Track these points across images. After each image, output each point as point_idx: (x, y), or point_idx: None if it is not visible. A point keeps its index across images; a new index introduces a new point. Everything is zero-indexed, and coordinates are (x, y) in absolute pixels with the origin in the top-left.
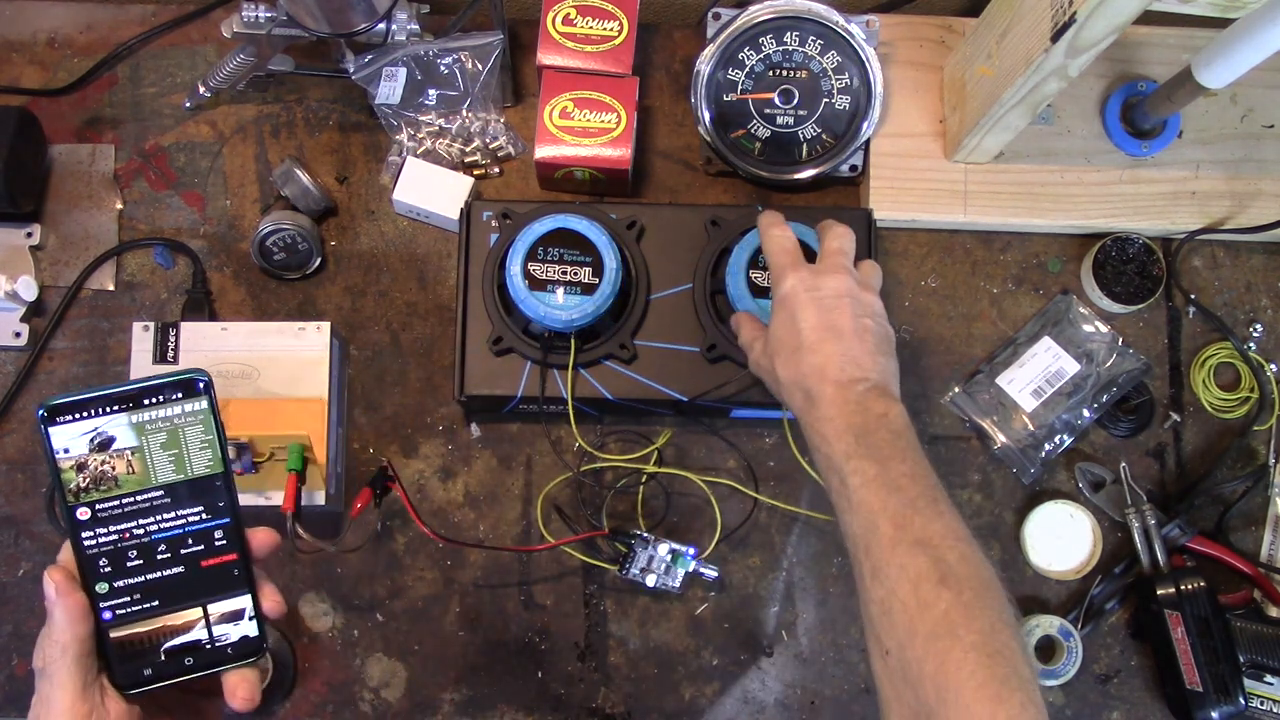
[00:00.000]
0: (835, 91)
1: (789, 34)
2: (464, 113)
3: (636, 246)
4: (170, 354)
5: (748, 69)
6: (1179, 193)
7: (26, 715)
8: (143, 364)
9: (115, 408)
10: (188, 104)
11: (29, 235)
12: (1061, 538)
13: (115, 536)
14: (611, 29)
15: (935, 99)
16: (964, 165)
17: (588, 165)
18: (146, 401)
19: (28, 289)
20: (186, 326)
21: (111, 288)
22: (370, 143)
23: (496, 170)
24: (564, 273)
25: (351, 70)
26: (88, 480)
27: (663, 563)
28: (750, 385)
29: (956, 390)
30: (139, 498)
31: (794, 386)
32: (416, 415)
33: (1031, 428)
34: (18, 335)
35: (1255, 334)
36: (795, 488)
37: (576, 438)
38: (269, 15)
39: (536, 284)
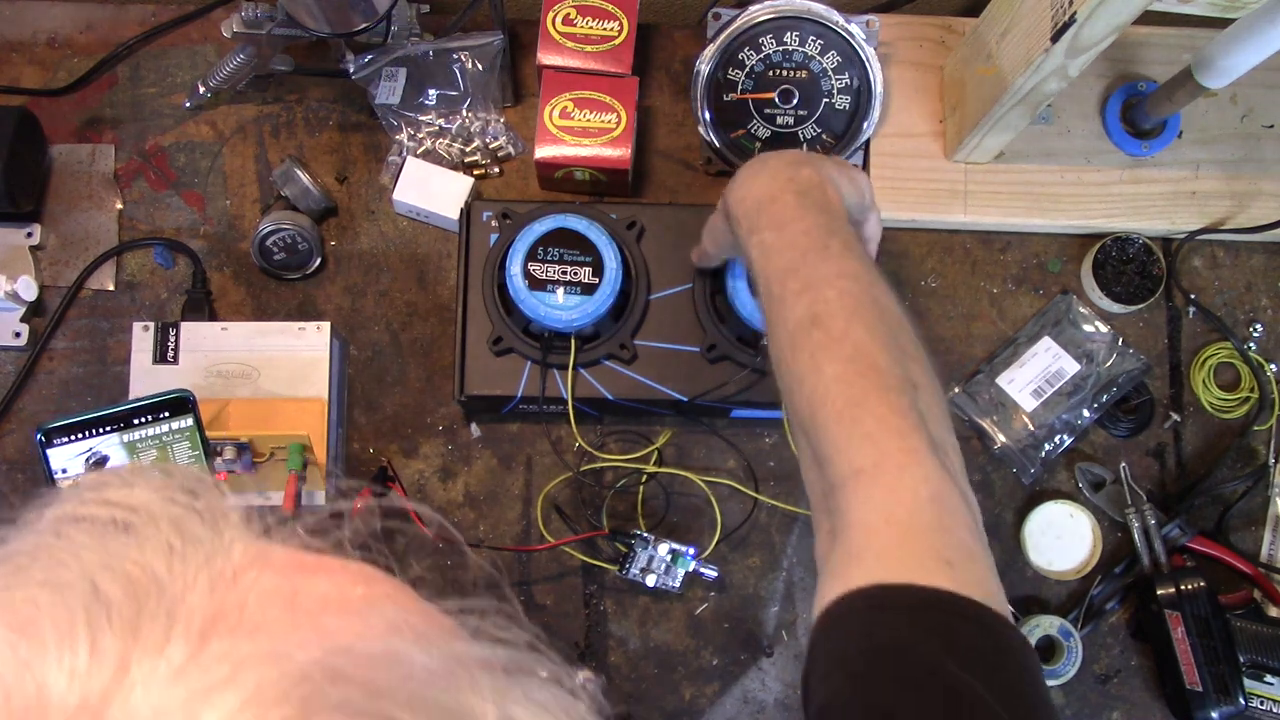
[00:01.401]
0: (835, 91)
1: (789, 34)
2: (464, 113)
3: (636, 246)
4: (170, 354)
5: (748, 69)
6: (1179, 193)
7: None
8: (143, 364)
9: (108, 428)
10: (188, 104)
11: (29, 235)
12: (1061, 538)
13: None
14: (611, 29)
15: (935, 99)
16: (964, 165)
17: (588, 165)
18: (136, 421)
19: (28, 289)
20: (186, 326)
21: (111, 288)
22: (370, 143)
23: (496, 170)
24: (564, 273)
25: (351, 70)
26: None
27: (663, 563)
28: (750, 385)
29: (956, 390)
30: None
31: (733, 182)
32: (416, 415)
33: (1031, 428)
34: (18, 335)
35: (1255, 334)
36: (795, 487)
37: (577, 438)
38: (269, 15)
39: (536, 284)
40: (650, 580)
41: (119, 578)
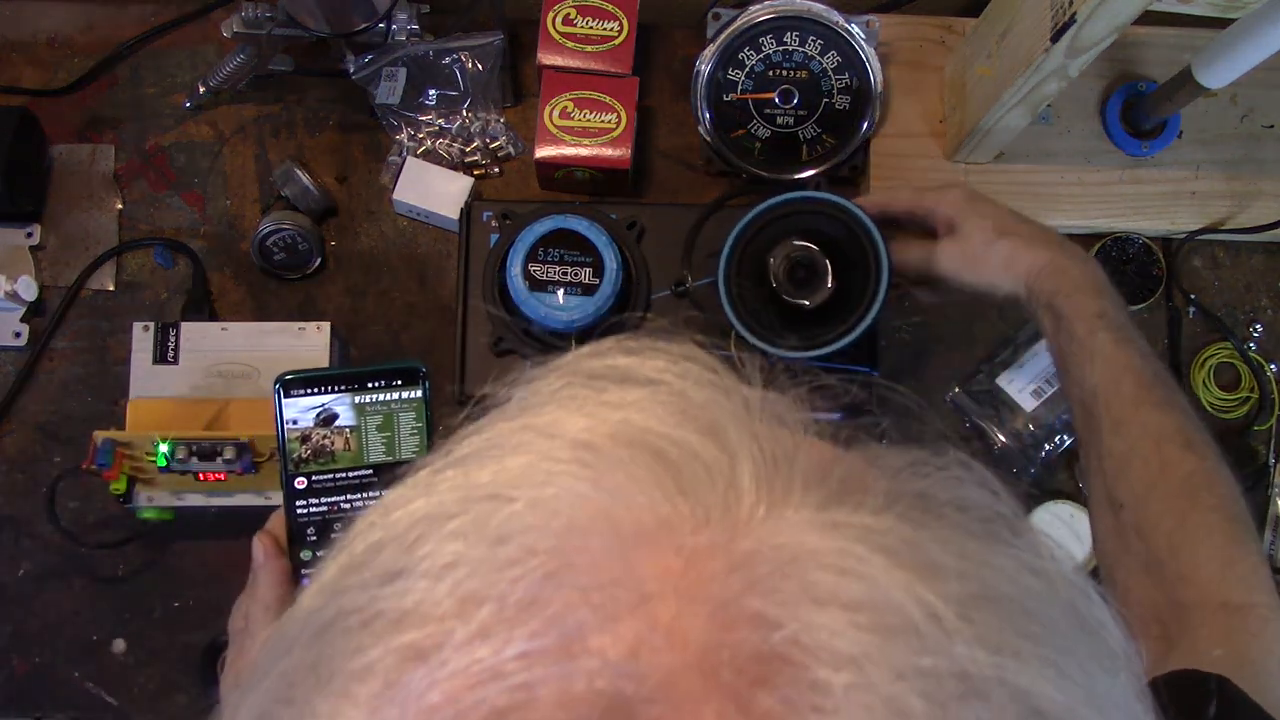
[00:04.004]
0: (835, 91)
1: (789, 34)
2: (464, 113)
3: (636, 246)
4: (170, 354)
5: (748, 69)
6: (1179, 193)
7: (26, 715)
8: (143, 364)
9: (342, 387)
10: (188, 104)
11: (29, 235)
12: (1061, 538)
13: (324, 508)
14: (611, 29)
15: (935, 99)
16: (964, 165)
17: (588, 165)
18: (370, 385)
19: (28, 289)
20: (186, 326)
21: (111, 288)
22: (370, 143)
23: (496, 170)
24: (564, 273)
25: (351, 70)
26: (309, 452)
27: None
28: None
29: (956, 390)
30: (350, 474)
31: (1039, 248)
32: None
33: (1031, 428)
34: (18, 335)
35: (1255, 334)
36: None
37: None
38: (269, 15)
39: (537, 285)
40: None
41: (699, 413)
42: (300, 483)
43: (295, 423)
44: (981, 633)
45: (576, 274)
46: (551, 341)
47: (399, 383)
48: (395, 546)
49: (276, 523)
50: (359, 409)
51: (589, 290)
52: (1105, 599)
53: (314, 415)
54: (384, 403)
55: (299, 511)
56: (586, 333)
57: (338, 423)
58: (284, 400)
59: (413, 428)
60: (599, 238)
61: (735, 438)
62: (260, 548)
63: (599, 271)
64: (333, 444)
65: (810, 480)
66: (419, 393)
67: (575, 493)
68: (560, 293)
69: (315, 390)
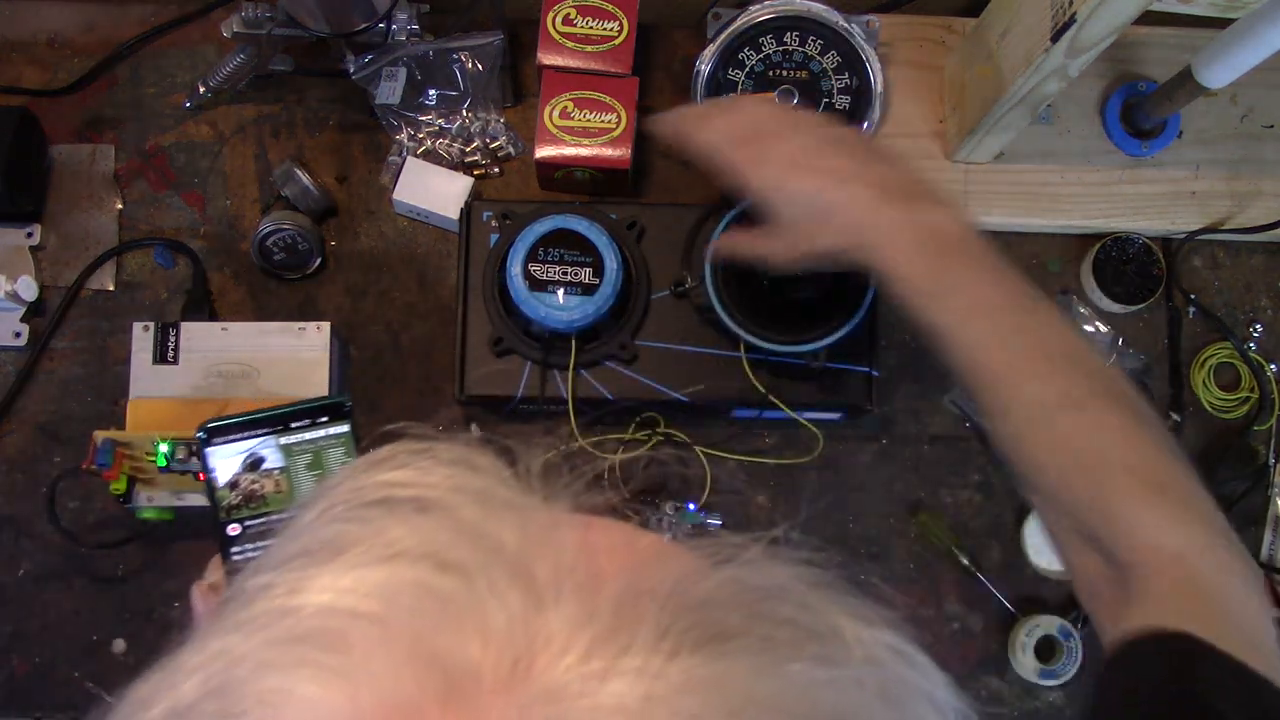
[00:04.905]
0: (835, 91)
1: (789, 34)
2: (464, 113)
3: (637, 246)
4: (170, 354)
5: (748, 69)
6: (1179, 193)
7: (26, 715)
8: (143, 364)
9: (266, 430)
10: (188, 104)
11: (29, 235)
12: None
13: (260, 553)
14: (611, 29)
15: (935, 99)
16: (964, 165)
17: (588, 165)
18: (294, 425)
19: (28, 289)
20: (186, 326)
21: (111, 288)
22: (370, 143)
23: (496, 170)
24: (564, 273)
25: (351, 70)
26: (239, 498)
27: (670, 520)
28: (750, 387)
29: (957, 390)
30: (285, 516)
31: (845, 238)
32: (416, 415)
33: None
34: (18, 335)
35: (1255, 334)
36: (795, 486)
37: (577, 438)
38: (269, 15)
39: (537, 285)
40: (665, 538)
41: (464, 548)
42: (234, 529)
43: (222, 471)
44: None
45: (576, 274)
46: (551, 341)
47: (324, 419)
48: None
49: (215, 571)
50: (286, 450)
51: (589, 290)
52: (932, 678)
53: (241, 461)
54: (310, 441)
55: (235, 558)
56: (586, 332)
57: (265, 466)
58: (208, 449)
59: (343, 463)
60: (599, 238)
61: (506, 572)
62: (199, 598)
63: (599, 271)
64: (263, 488)
65: (583, 613)
66: (345, 427)
67: (317, 706)
68: (560, 293)
69: (239, 436)
